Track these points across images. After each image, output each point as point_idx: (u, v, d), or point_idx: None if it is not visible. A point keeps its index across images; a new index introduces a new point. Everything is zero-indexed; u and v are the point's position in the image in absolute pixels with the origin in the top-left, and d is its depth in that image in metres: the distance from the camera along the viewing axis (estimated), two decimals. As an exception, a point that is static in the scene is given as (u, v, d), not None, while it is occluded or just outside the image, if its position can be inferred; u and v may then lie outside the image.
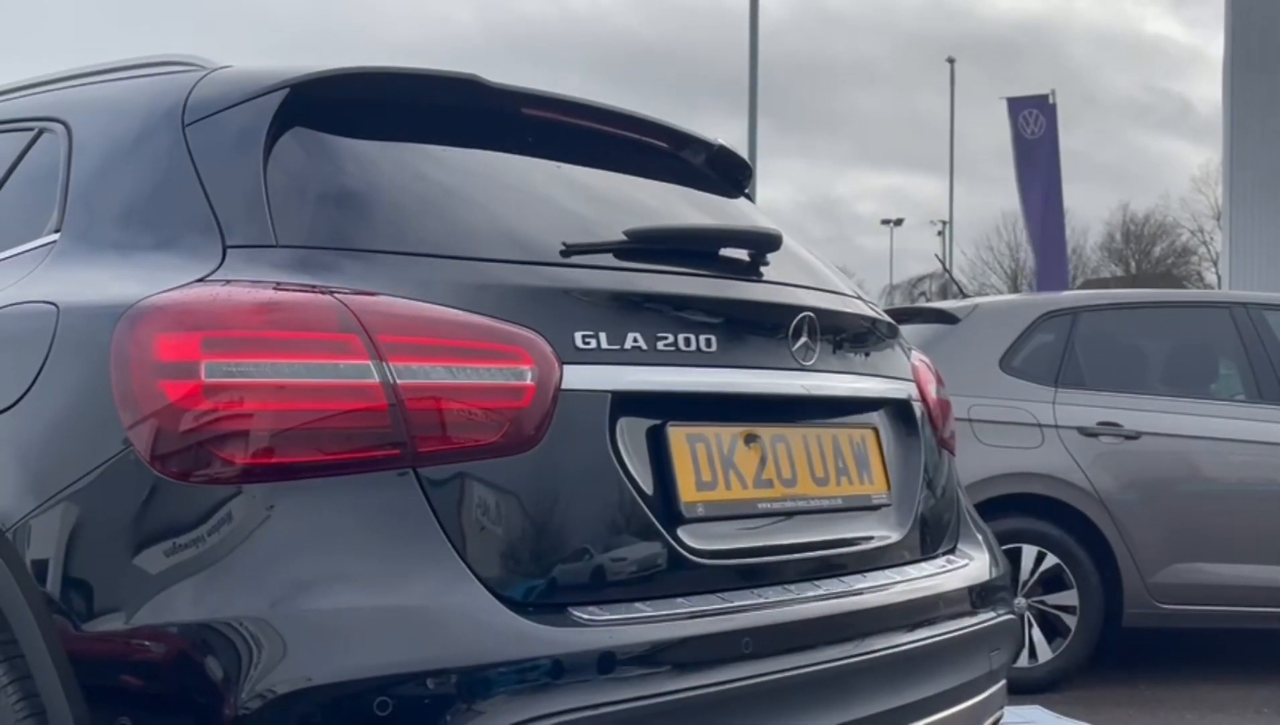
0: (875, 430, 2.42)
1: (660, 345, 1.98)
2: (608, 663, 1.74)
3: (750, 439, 2.13)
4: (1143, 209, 46.76)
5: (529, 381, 1.82)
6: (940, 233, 42.49)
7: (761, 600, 1.98)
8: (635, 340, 1.95)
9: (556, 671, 1.70)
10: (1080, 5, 61.28)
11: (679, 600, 1.89)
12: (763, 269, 2.26)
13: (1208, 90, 63.74)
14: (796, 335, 2.19)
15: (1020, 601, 5.02)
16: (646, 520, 1.91)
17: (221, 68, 2.26)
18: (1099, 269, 47.18)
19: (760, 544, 2.10)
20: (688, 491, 1.99)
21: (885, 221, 49.87)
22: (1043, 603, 5.18)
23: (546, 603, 1.78)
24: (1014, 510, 5.16)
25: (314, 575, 1.67)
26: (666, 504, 1.96)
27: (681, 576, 1.93)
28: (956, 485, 2.71)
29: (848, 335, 2.39)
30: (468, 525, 1.76)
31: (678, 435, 2.01)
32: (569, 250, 2.02)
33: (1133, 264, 46.18)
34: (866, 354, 2.45)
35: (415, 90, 2.22)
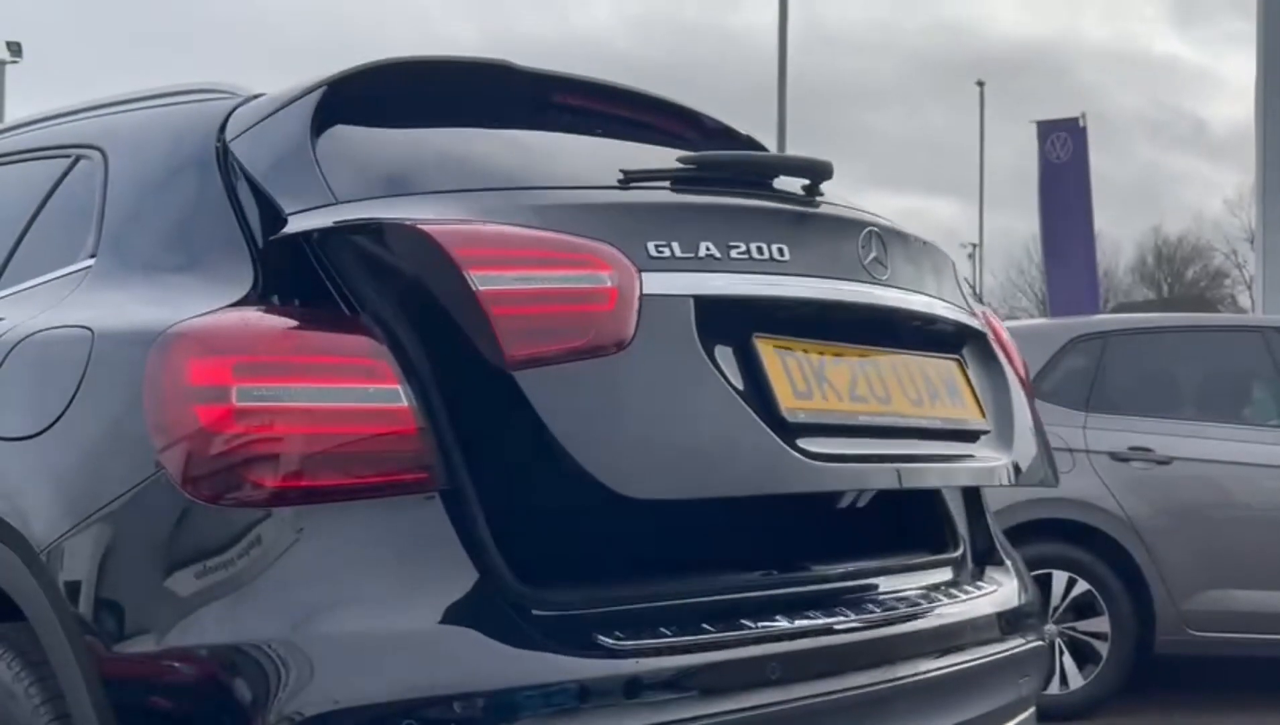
0: (960, 362, 2.40)
1: (734, 254, 1.96)
2: (634, 688, 1.74)
3: (837, 357, 2.12)
4: (1175, 231, 46.39)
5: (609, 285, 1.82)
6: (970, 256, 42.32)
7: (786, 627, 1.97)
8: (708, 249, 1.93)
9: (583, 696, 1.70)
10: (1087, 26, 61.23)
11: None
12: (819, 196, 2.25)
13: (1220, 109, 63.52)
14: (866, 249, 2.16)
15: (1051, 627, 4.97)
16: (753, 424, 1.89)
17: (256, 95, 2.29)
18: (1131, 291, 46.85)
19: (871, 452, 2.08)
20: (786, 399, 1.96)
21: (915, 244, 49.56)
22: (1074, 629, 5.13)
23: (579, 618, 1.78)
24: (1045, 535, 5.12)
25: (341, 598, 1.68)
26: (768, 410, 1.93)
27: (794, 480, 1.93)
28: (1041, 424, 2.67)
29: (915, 260, 2.34)
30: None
31: (765, 346, 1.99)
32: (628, 178, 2.04)
33: (1165, 287, 45.82)
34: (937, 282, 2.41)
35: (448, 78, 2.29)
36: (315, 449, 1.72)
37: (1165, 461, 5.21)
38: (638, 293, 1.83)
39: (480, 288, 1.74)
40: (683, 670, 1.80)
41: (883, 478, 2.13)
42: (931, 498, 2.59)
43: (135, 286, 2.04)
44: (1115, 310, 41.70)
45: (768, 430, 1.91)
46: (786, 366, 2.01)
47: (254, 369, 1.74)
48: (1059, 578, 5.12)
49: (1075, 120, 14.67)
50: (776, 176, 2.24)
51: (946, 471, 2.31)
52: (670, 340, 1.85)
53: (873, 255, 2.17)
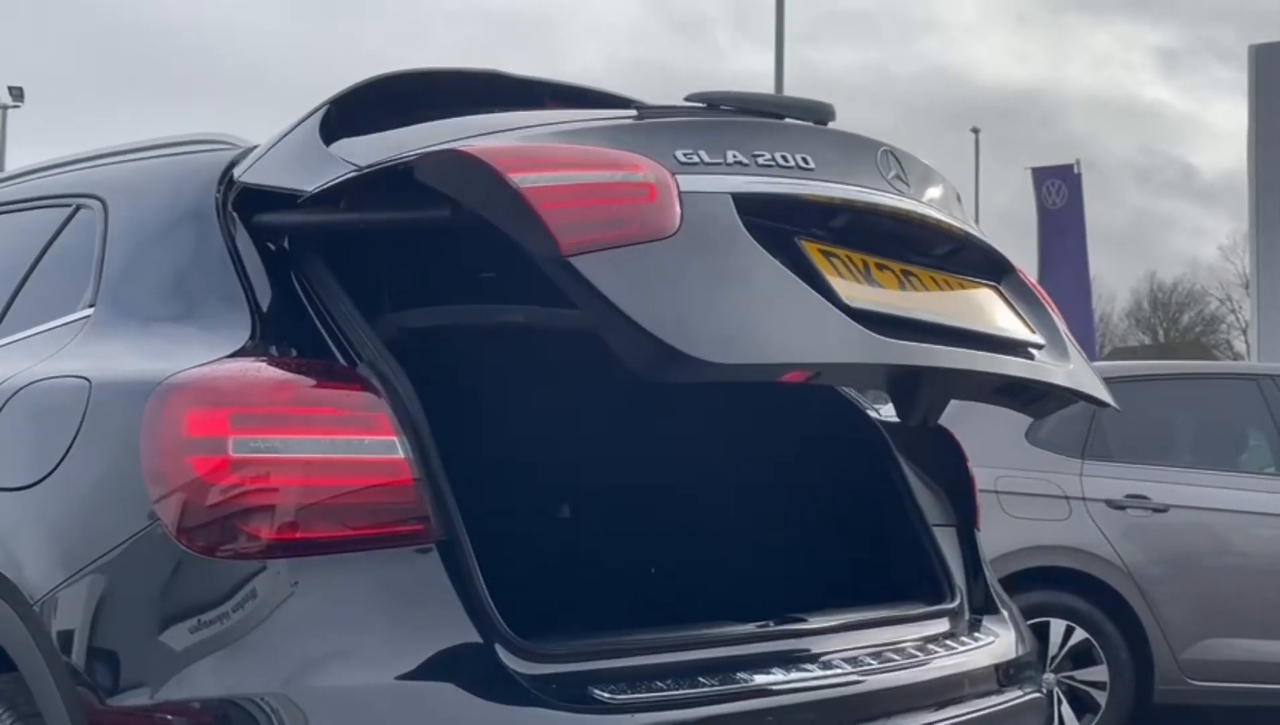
0: (999, 290, 2.41)
1: (760, 161, 1.97)
2: None
3: (881, 267, 2.11)
4: (1170, 277, 46.56)
5: (647, 180, 1.82)
6: (966, 300, 42.36)
7: (783, 681, 1.96)
8: (735, 156, 1.95)
9: None
10: (1075, 73, 61.71)
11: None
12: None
13: (1208, 154, 63.95)
14: (885, 165, 2.16)
15: (1049, 676, 4.94)
16: (816, 300, 1.89)
17: (254, 147, 2.31)
18: (1126, 337, 46.91)
19: (935, 338, 2.07)
20: (844, 291, 1.96)
21: (911, 289, 49.73)
22: (1072, 678, 5.10)
23: (574, 673, 1.77)
24: (1042, 584, 5.10)
25: (336, 652, 1.67)
26: (828, 294, 1.93)
27: (862, 351, 1.91)
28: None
29: (932, 182, 2.33)
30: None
31: (810, 248, 1.99)
32: (642, 113, 2.05)
33: (1161, 332, 45.91)
34: (961, 210, 2.42)
35: (443, 87, 2.32)
36: (311, 500, 1.72)
37: (1162, 509, 5.20)
38: (675, 189, 1.82)
39: (523, 186, 1.71)
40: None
41: (951, 359, 2.07)
42: (928, 546, 2.59)
43: (133, 336, 2.05)
44: (1111, 355, 41.80)
45: (831, 306, 1.90)
46: (834, 265, 2.01)
47: (251, 420, 1.74)
48: (1057, 626, 5.09)
49: (1070, 167, 14.79)
50: (783, 116, 2.23)
51: (1011, 363, 2.25)
52: (718, 230, 1.84)
53: (893, 171, 2.17)
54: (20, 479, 1.92)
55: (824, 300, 1.91)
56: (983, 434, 5.20)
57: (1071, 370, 2.37)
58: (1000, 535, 4.77)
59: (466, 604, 1.75)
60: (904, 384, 2.23)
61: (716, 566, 2.81)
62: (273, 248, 2.10)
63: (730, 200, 1.89)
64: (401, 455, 1.77)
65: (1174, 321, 46.03)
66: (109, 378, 1.93)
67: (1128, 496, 5.22)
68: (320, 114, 2.12)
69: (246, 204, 2.15)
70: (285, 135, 2.15)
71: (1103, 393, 2.47)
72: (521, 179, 1.73)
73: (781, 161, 2.00)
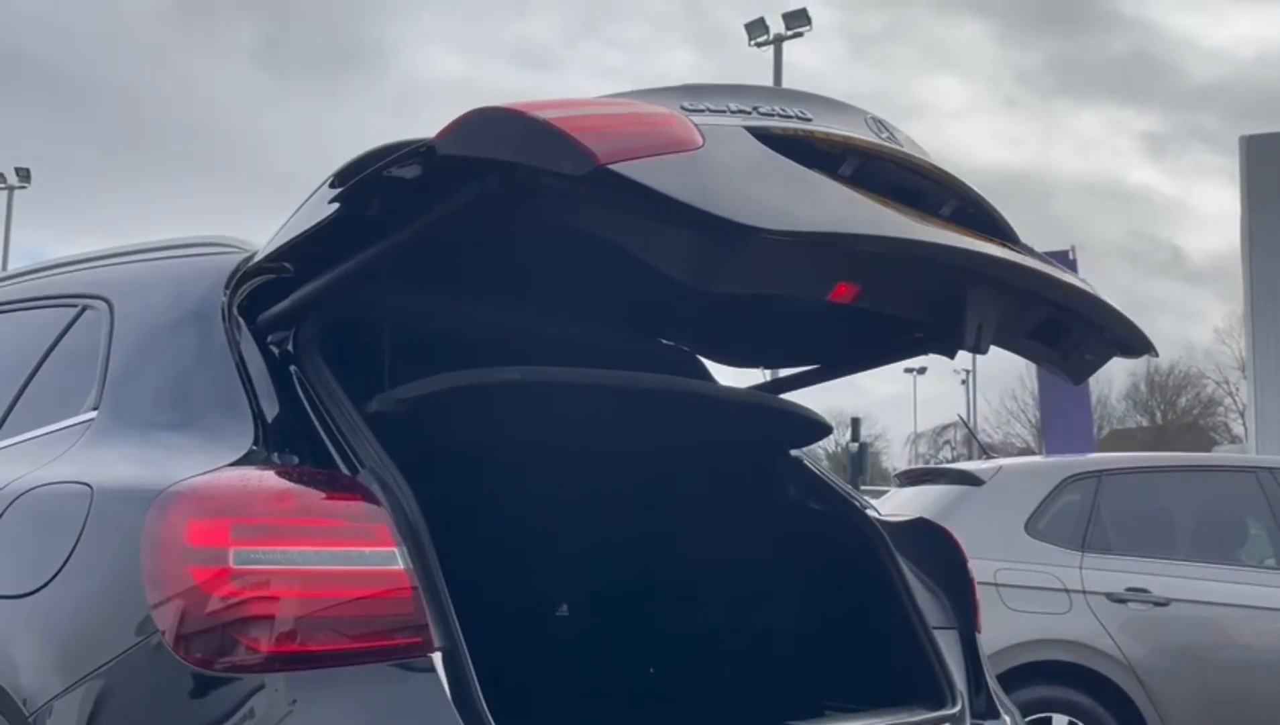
0: (1014, 248, 2.33)
1: (761, 110, 2.01)
2: None
3: (899, 212, 2.09)
4: (1166, 359, 46.73)
5: (664, 112, 1.84)
6: (964, 382, 42.51)
7: None
8: (736, 107, 1.98)
9: None
10: (1061, 157, 62.56)
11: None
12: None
13: (1196, 237, 64.59)
14: (875, 127, 2.16)
15: (1052, 774, 4.88)
16: (847, 191, 1.93)
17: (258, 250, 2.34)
18: (1124, 419, 46.93)
19: (962, 249, 2.05)
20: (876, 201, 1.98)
21: (909, 370, 49.95)
22: (1075, 775, 5.03)
23: None
24: (1043, 678, 5.05)
25: None
26: (859, 190, 1.96)
27: (914, 231, 1.95)
28: None
29: (918, 148, 2.32)
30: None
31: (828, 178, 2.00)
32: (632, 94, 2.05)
33: (1158, 414, 45.92)
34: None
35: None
36: (311, 612, 1.72)
37: (1163, 603, 5.17)
38: (689, 119, 1.84)
39: (551, 117, 1.72)
40: None
41: (992, 249, 2.07)
42: (929, 649, 2.57)
43: (136, 442, 2.05)
44: (1109, 437, 41.75)
45: (865, 195, 1.93)
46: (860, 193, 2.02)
47: (252, 531, 1.74)
48: (1058, 721, 5.03)
49: (1066, 252, 14.85)
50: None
51: (1048, 277, 2.22)
52: (740, 145, 1.87)
53: (885, 133, 2.19)
54: (20, 586, 1.92)
55: (856, 191, 1.95)
56: (982, 525, 5.21)
57: (1106, 308, 2.34)
58: (1000, 628, 4.74)
59: (465, 715, 1.74)
60: (946, 308, 2.16)
61: (715, 668, 2.79)
62: (276, 352, 2.13)
63: (745, 130, 1.93)
64: (401, 566, 1.77)
65: (1171, 404, 46.07)
66: (111, 485, 1.93)
67: (1129, 589, 5.19)
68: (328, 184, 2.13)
69: (251, 307, 2.18)
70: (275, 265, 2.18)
71: (1138, 331, 2.42)
72: (547, 114, 1.74)
73: (781, 112, 2.05)
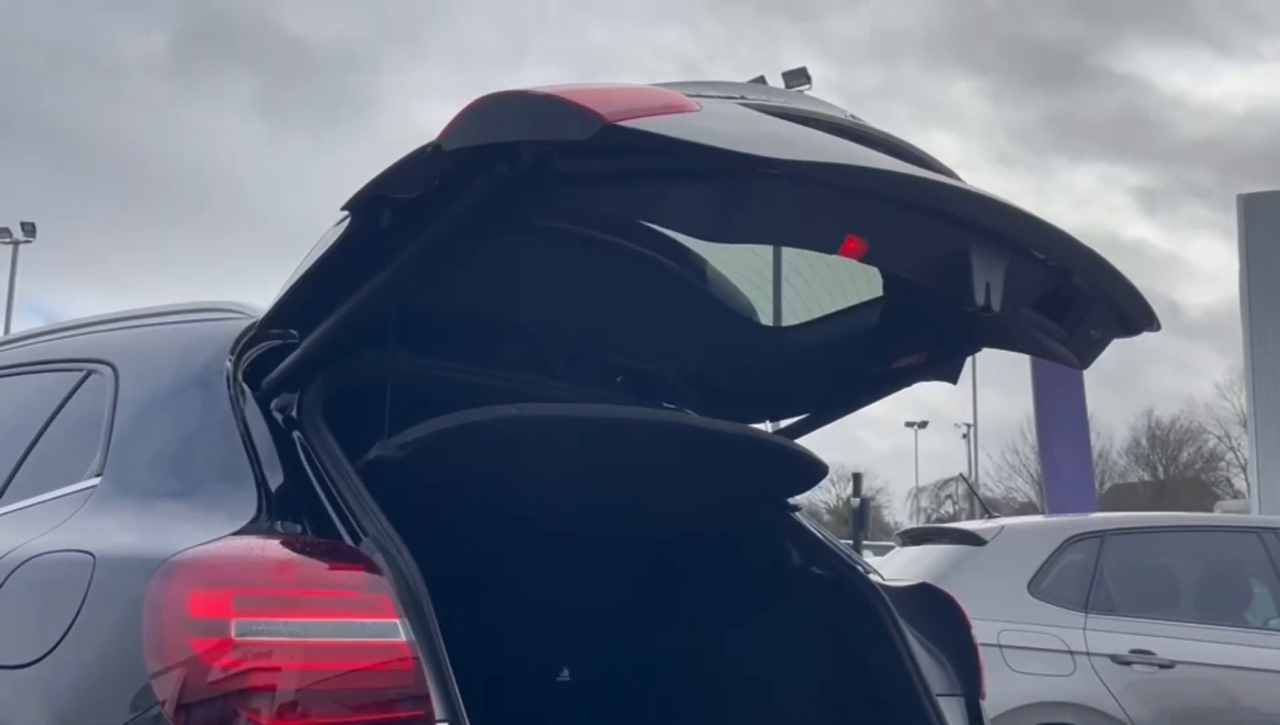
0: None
1: (749, 97, 2.06)
2: None
3: None
4: (1167, 414, 46.71)
5: (661, 90, 1.86)
6: (965, 436, 42.44)
7: None
8: (724, 94, 2.03)
9: None
10: (1056, 212, 62.90)
11: None
12: None
13: (1192, 292, 64.78)
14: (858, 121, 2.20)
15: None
16: (846, 142, 1.98)
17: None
18: (1126, 473, 46.84)
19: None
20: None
21: (910, 424, 49.94)
22: (1081, 840, 4.97)
23: None
24: (1048, 741, 5.00)
25: None
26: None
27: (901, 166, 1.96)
28: None
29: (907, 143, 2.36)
30: None
31: None
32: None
33: (1160, 469, 45.83)
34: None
35: None
36: (312, 684, 1.71)
37: (1168, 665, 5.14)
38: (685, 97, 1.85)
39: (551, 90, 1.73)
40: None
41: (994, 196, 2.07)
42: (933, 717, 2.55)
43: (138, 509, 2.06)
44: (1111, 492, 41.60)
45: (873, 151, 1.96)
46: None
47: (254, 602, 1.74)
48: (1064, 785, 4.98)
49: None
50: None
51: (1050, 230, 2.18)
52: (735, 111, 1.91)
53: (851, 113, 2.22)
54: (21, 656, 1.91)
55: (854, 142, 1.98)
56: (984, 586, 5.19)
57: (1108, 268, 2.30)
58: (1004, 690, 4.70)
59: None
60: (953, 265, 2.12)
61: None
62: (280, 418, 2.13)
63: (739, 101, 1.98)
64: (404, 638, 1.77)
65: (1173, 458, 45.98)
66: (113, 554, 1.93)
67: (1133, 651, 5.15)
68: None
69: (256, 373, 2.19)
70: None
71: (1139, 298, 2.39)
72: (548, 89, 1.76)
73: (766, 99, 2.09)
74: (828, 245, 1.96)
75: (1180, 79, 61.98)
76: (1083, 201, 61.48)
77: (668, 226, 1.89)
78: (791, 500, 2.89)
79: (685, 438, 2.53)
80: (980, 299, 2.06)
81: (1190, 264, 63.00)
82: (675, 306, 2.61)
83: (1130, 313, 2.38)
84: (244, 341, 2.26)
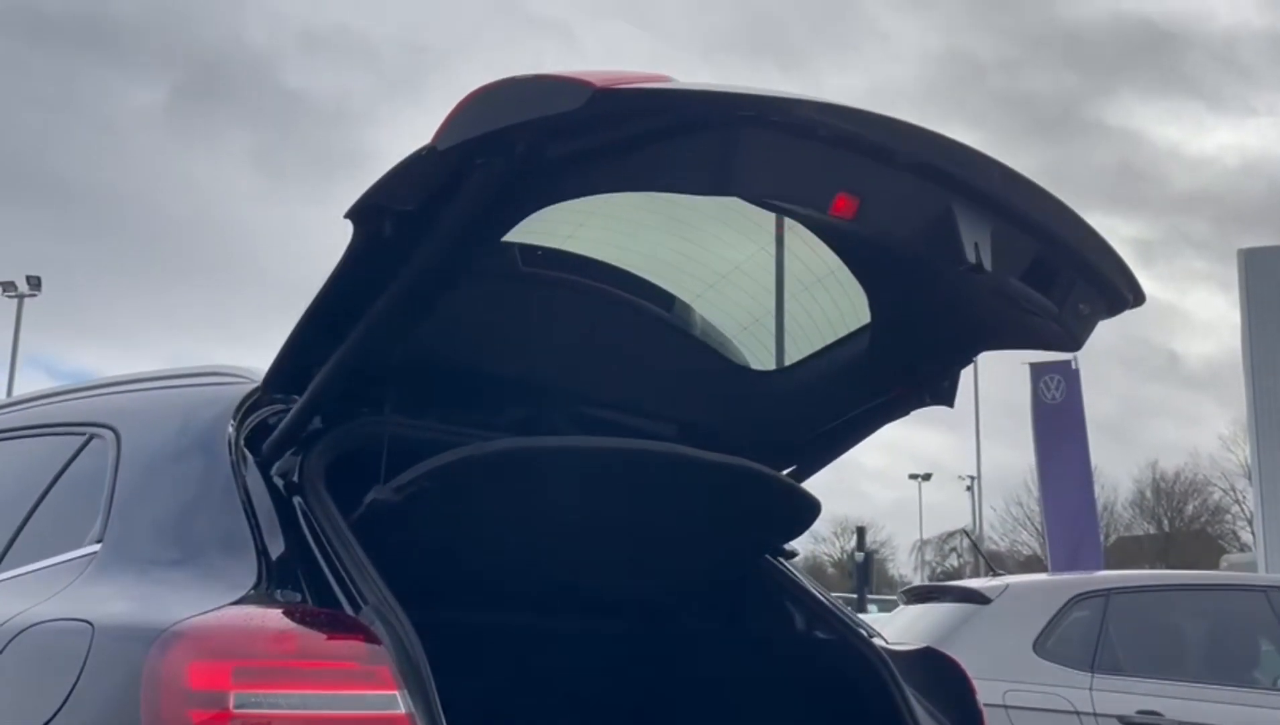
0: None
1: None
2: None
3: None
4: (1171, 466, 46.53)
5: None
6: (969, 489, 42.31)
7: None
8: None
9: None
10: None
11: None
12: None
13: (1191, 342, 64.75)
14: None
15: None
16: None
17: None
18: (1131, 526, 46.60)
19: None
20: None
21: (913, 476, 49.78)
22: None
23: None
24: (1055, 804, 4.94)
25: None
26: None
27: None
28: None
29: None
30: None
31: None
32: None
33: (1165, 522, 45.61)
34: None
35: None
36: None
37: (1176, 726, 5.09)
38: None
39: (539, 73, 1.76)
40: None
41: (985, 154, 2.07)
42: None
43: (138, 578, 2.05)
44: (1116, 544, 41.36)
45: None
46: None
47: (253, 674, 1.73)
48: (1071, 849, 4.91)
49: (1068, 362, 14.92)
50: None
51: (1039, 192, 2.17)
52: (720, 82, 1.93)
53: None
54: None
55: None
56: (989, 645, 5.15)
57: (1094, 236, 2.28)
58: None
59: None
60: (941, 225, 2.09)
61: None
62: (281, 483, 2.13)
63: None
64: (403, 710, 1.76)
65: (1178, 511, 45.77)
66: (112, 623, 1.92)
67: (1140, 713, 5.10)
68: None
69: (258, 437, 2.19)
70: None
71: (1126, 270, 2.36)
72: (536, 73, 1.78)
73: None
74: (820, 201, 1.96)
75: (1173, 132, 62.47)
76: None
77: (667, 189, 1.90)
78: (787, 546, 2.84)
79: (674, 467, 2.48)
80: (971, 257, 2.05)
81: (1188, 314, 63.08)
82: (666, 354, 2.61)
83: (1117, 285, 2.35)
84: (247, 405, 2.27)
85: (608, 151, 1.86)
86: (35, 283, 29.63)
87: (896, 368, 2.60)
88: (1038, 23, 56.56)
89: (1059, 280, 2.27)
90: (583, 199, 2.03)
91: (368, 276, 2.00)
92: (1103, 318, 2.41)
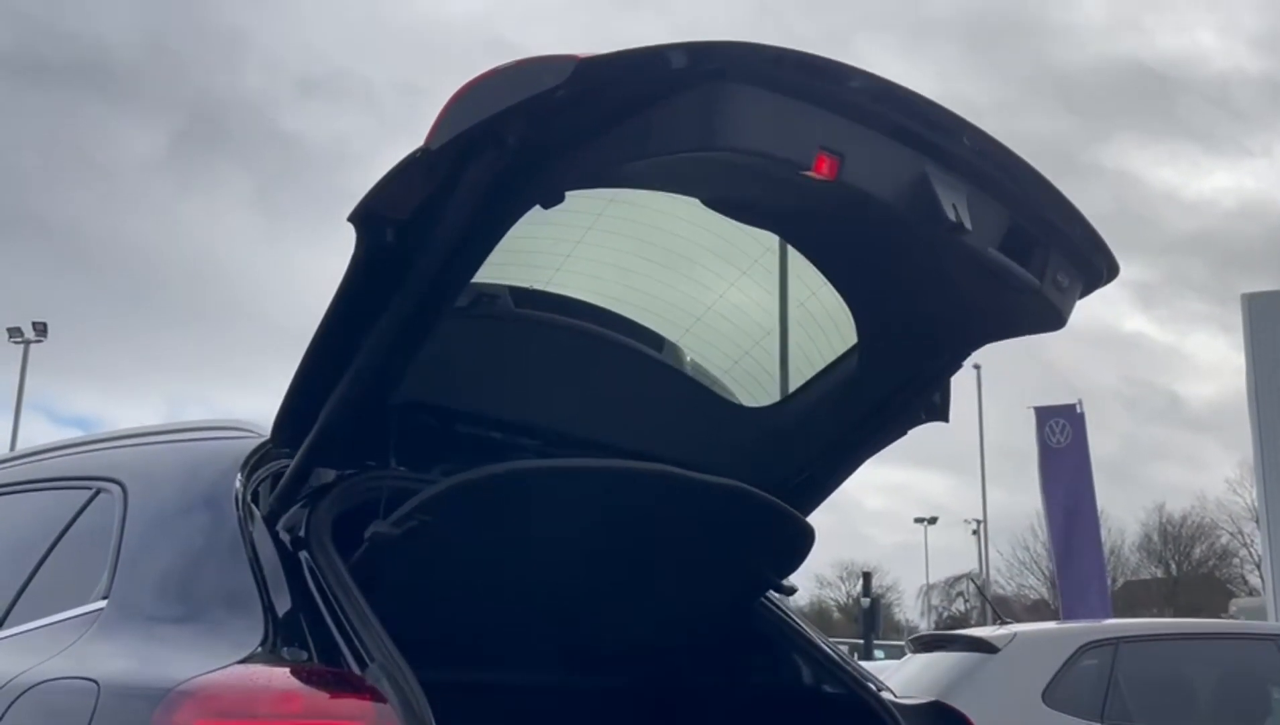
0: None
1: None
2: None
3: None
4: (1178, 509, 46.29)
5: None
6: (975, 533, 42.10)
7: None
8: None
9: None
10: None
11: None
12: None
13: (1192, 384, 64.54)
14: None
15: None
16: None
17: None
18: (1138, 570, 46.30)
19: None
20: None
21: (919, 520, 49.57)
22: None
23: None
24: None
25: None
26: None
27: None
28: None
29: None
30: None
31: None
32: None
33: (1173, 565, 45.32)
34: None
35: None
36: None
37: (1187, 777, 5.04)
38: None
39: (524, 58, 1.78)
40: None
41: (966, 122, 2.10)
42: None
43: (144, 635, 2.04)
44: (1123, 589, 41.08)
45: None
46: None
47: None
48: None
49: (1073, 407, 14.91)
50: None
51: (1016, 160, 2.19)
52: None
53: None
54: None
55: None
56: (998, 695, 5.11)
57: (1068, 207, 2.28)
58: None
59: None
60: (920, 188, 2.09)
61: None
62: (288, 539, 2.13)
63: None
64: None
65: (1186, 555, 45.48)
66: (118, 682, 1.92)
67: (1151, 763, 5.06)
68: None
69: (264, 492, 2.19)
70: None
71: (1099, 241, 2.36)
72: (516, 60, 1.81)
73: None
74: (802, 158, 1.96)
75: (1170, 174, 62.47)
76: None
77: (659, 152, 1.90)
78: (785, 582, 2.78)
79: (665, 487, 2.44)
80: (951, 215, 2.05)
81: (1189, 357, 62.91)
82: (663, 395, 2.62)
83: (1090, 257, 2.35)
84: (254, 460, 2.27)
85: (598, 127, 1.88)
86: (42, 328, 29.73)
87: (888, 380, 2.59)
88: (1031, 67, 56.94)
89: (1035, 251, 2.26)
90: (561, 233, 2.04)
91: (372, 288, 2.01)
92: (1080, 292, 2.40)
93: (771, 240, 2.46)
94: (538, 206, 2.00)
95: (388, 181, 1.90)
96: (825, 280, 2.48)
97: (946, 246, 2.13)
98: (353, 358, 2.07)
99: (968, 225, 2.05)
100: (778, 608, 2.87)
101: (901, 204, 2.05)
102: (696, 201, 2.27)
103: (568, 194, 2.01)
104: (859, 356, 2.55)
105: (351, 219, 1.94)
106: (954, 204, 2.06)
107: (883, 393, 2.60)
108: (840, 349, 2.60)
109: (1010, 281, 2.24)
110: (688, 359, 2.66)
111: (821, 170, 1.95)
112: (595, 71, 1.74)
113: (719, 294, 2.61)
